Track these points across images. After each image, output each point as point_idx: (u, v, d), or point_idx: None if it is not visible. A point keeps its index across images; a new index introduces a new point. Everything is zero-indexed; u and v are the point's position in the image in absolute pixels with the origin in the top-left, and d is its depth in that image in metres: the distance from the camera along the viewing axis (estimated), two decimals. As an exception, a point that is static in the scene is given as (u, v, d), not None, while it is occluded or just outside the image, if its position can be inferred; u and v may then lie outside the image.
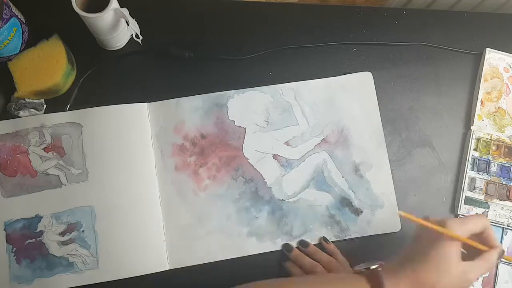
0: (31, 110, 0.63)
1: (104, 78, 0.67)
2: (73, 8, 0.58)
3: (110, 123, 0.63)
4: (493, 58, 0.72)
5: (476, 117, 0.70)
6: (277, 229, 0.63)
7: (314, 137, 0.67)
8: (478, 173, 0.68)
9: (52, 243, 0.60)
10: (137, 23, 0.63)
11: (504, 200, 0.67)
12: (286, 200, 0.64)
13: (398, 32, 0.73)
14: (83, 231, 0.61)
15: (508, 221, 0.67)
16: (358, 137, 0.67)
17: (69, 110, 0.64)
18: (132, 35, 0.64)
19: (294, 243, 0.63)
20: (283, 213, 0.64)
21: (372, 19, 0.73)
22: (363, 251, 0.64)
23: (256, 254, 0.62)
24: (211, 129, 0.66)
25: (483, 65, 0.71)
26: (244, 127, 0.66)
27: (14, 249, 0.60)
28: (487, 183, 0.67)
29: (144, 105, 0.65)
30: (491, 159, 0.68)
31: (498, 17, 0.76)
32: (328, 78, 0.69)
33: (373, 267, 0.50)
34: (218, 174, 0.64)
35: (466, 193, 0.67)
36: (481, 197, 0.67)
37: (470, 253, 0.49)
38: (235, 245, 0.62)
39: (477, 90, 0.71)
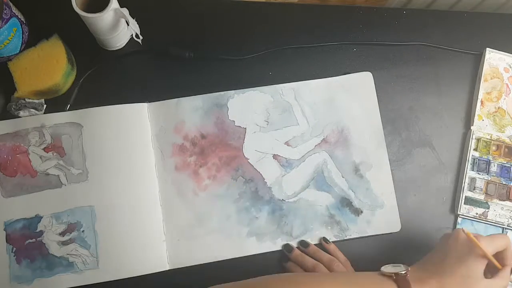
0: (31, 110, 0.63)
1: (104, 78, 0.67)
2: (73, 8, 0.58)
3: (110, 123, 0.63)
4: (493, 58, 0.72)
5: (476, 117, 0.70)
6: (277, 229, 0.63)
7: (314, 137, 0.67)
8: (478, 173, 0.68)
9: (52, 243, 0.60)
10: (137, 23, 0.63)
11: (504, 200, 0.67)
12: (286, 200, 0.64)
13: (398, 32, 0.73)
14: (83, 231, 0.61)
15: (508, 221, 0.67)
16: (358, 137, 0.67)
17: (69, 110, 0.64)
18: (132, 35, 0.64)
19: (294, 243, 0.63)
20: (283, 213, 0.64)
21: (372, 19, 0.73)
22: (363, 251, 0.64)
23: (256, 254, 0.62)
24: (211, 129, 0.66)
25: (483, 65, 0.71)
26: (244, 127, 0.66)
27: (14, 249, 0.60)
28: (487, 183, 0.67)
29: (144, 105, 0.65)
30: (491, 159, 0.68)
31: (498, 17, 0.76)
32: (328, 78, 0.69)
33: (401, 272, 0.51)
34: (218, 174, 0.64)
35: (466, 193, 0.67)
36: (481, 197, 0.67)
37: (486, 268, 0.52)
38: (235, 245, 0.62)
39: (477, 90, 0.71)
